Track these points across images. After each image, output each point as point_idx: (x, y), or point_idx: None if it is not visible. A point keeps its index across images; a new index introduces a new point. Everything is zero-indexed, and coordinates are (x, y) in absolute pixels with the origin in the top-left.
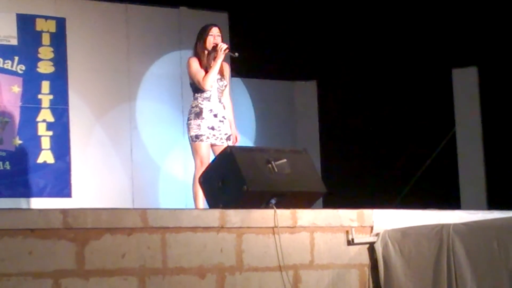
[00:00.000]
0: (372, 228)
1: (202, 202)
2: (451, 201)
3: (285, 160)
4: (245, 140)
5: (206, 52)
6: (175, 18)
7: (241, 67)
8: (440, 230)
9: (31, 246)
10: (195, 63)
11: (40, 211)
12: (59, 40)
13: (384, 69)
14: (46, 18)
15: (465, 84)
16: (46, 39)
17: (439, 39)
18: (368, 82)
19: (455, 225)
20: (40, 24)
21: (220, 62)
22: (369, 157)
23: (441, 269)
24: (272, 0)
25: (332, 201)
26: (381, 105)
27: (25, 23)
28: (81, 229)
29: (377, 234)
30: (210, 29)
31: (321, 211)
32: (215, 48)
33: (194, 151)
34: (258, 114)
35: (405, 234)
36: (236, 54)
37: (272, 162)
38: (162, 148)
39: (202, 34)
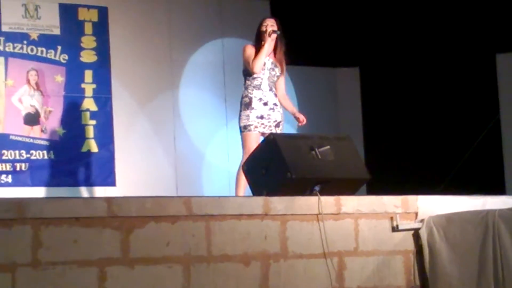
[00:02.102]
0: (416, 214)
1: (243, 191)
2: (496, 187)
3: (328, 146)
4: (288, 127)
5: (260, 40)
6: (217, 6)
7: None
8: (485, 215)
9: (76, 235)
10: (249, 49)
11: (85, 199)
12: (101, 29)
13: (427, 55)
14: (88, 7)
15: (509, 69)
16: (88, 28)
17: (482, 24)
18: (410, 67)
19: (500, 210)
20: (83, 14)
21: (267, 46)
22: (413, 143)
23: (487, 255)
24: None
25: (376, 187)
26: (424, 91)
27: (68, 12)
28: (125, 217)
29: (422, 220)
30: (264, 21)
31: (365, 197)
32: (263, 33)
33: (243, 141)
34: (300, 101)
35: (450, 220)
36: (278, 32)
37: (316, 149)
38: (205, 136)
39: (258, 28)
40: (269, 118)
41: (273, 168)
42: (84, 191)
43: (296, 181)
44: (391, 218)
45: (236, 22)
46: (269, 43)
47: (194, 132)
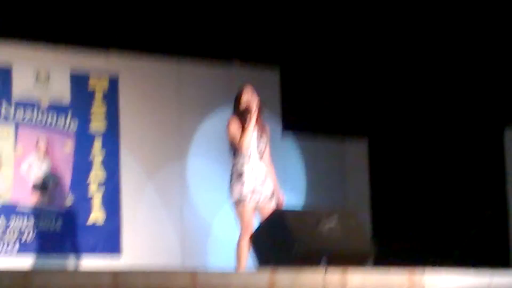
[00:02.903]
0: None
1: (244, 265)
2: (503, 261)
3: (335, 221)
4: (295, 198)
5: (243, 111)
6: (226, 74)
7: (291, 122)
8: None
9: None
10: (234, 124)
11: (91, 273)
12: (111, 98)
13: (436, 127)
14: (99, 76)
15: None
16: (98, 97)
17: (490, 97)
18: (419, 139)
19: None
20: (93, 82)
21: (253, 121)
22: (421, 216)
23: None
24: (324, 55)
25: (384, 261)
26: (432, 164)
27: (78, 82)
28: None
29: None
30: (243, 90)
31: (372, 273)
32: (247, 107)
33: (239, 215)
34: (308, 173)
35: None
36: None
37: (322, 224)
38: (213, 208)
39: (237, 97)
40: (261, 192)
41: (280, 240)
42: (89, 261)
43: (302, 254)
44: None
45: None
46: (255, 117)
47: (201, 203)
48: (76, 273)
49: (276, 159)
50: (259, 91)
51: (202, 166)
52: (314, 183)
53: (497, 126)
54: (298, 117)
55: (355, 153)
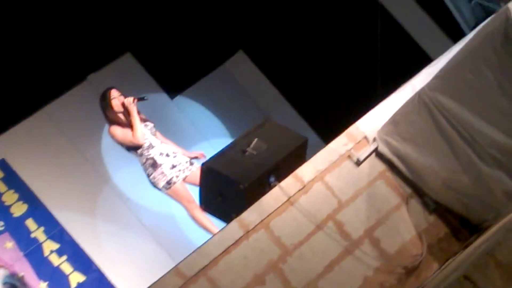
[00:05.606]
0: (366, 137)
1: (214, 227)
2: (420, 60)
3: (256, 139)
4: (226, 142)
5: (118, 114)
6: (90, 89)
7: (171, 84)
8: (419, 98)
9: None
10: (117, 130)
11: None
12: (12, 178)
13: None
14: None
15: None
16: (2, 187)
17: None
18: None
19: (427, 85)
20: None
21: (136, 114)
22: (331, 83)
23: (444, 128)
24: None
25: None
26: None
27: None
28: None
29: (374, 139)
30: (110, 93)
31: (315, 156)
32: (123, 106)
33: (175, 196)
34: (217, 113)
35: (395, 122)
36: (146, 97)
37: (247, 149)
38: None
39: (105, 102)
40: (179, 163)
41: (225, 190)
42: None
43: (251, 187)
44: (349, 157)
45: None
46: (135, 110)
47: (152, 204)
48: None
49: (177, 122)
50: (128, 78)
51: (128, 179)
52: (225, 117)
53: None
54: (174, 77)
55: (242, 68)
